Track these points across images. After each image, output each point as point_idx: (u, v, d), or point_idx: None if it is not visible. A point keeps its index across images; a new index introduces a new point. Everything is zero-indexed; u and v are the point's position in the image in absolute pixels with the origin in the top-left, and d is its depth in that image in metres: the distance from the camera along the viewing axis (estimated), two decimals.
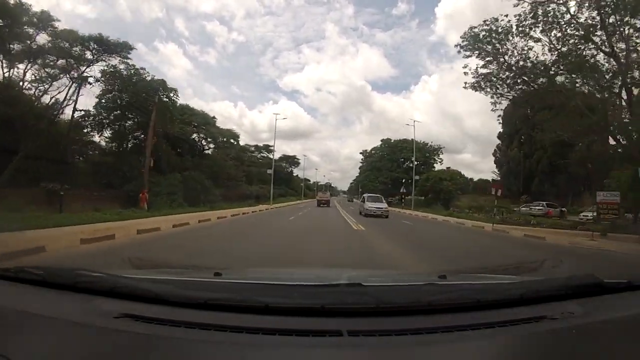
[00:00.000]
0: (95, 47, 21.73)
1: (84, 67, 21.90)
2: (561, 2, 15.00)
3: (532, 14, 15.23)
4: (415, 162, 42.97)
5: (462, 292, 1.35)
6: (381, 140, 58.44)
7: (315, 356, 0.96)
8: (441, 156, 51.63)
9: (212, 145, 35.09)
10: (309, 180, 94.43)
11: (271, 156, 55.77)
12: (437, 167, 48.61)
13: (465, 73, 17.51)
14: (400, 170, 51.27)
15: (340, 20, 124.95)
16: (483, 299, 1.22)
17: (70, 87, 21.87)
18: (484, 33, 16.44)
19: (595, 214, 14.25)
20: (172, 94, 26.70)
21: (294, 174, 73.59)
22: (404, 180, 46.64)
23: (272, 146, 58.65)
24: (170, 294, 1.18)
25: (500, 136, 43.12)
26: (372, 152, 60.27)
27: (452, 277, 1.80)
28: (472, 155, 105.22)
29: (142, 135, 25.36)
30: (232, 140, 37.83)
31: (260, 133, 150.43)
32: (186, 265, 2.73)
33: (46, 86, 21.05)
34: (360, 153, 65.19)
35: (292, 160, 72.33)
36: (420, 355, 0.99)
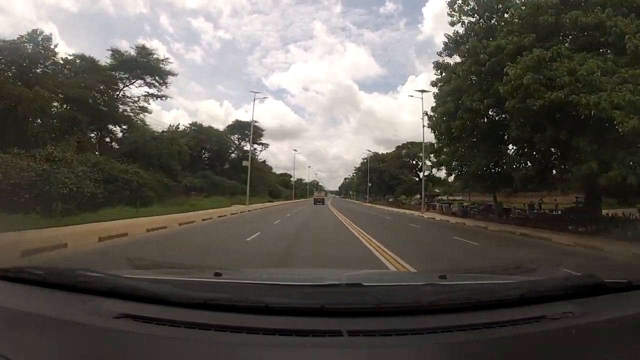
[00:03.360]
0: None
1: None
2: None
3: None
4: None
5: (462, 292, 1.35)
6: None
7: (315, 356, 0.96)
8: None
9: None
10: (290, 176, 68.01)
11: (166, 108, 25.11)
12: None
13: None
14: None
15: (329, 20, 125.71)
16: (483, 299, 1.22)
17: None
18: None
19: None
20: None
21: (260, 159, 42.20)
22: None
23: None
24: (170, 294, 1.17)
25: None
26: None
27: (452, 277, 1.80)
28: None
29: None
30: None
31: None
32: (186, 265, 2.73)
33: None
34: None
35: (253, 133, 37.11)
36: (421, 355, 0.99)
